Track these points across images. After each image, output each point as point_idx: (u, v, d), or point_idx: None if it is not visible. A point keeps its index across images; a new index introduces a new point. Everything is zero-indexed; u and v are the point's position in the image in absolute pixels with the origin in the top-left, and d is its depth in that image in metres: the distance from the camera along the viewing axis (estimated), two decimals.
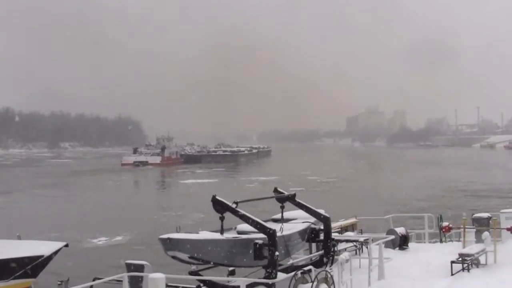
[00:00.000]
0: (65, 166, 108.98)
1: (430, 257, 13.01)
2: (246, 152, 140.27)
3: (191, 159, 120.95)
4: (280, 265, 9.85)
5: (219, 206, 9.36)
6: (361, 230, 16.08)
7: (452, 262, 11.76)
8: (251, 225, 9.51)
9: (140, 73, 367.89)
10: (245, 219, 9.47)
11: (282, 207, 11.31)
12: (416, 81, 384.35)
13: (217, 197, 9.40)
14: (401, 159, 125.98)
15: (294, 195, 11.51)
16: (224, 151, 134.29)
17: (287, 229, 10.68)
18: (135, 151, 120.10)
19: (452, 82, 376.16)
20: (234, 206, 9.38)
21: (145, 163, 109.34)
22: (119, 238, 28.49)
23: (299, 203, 11.56)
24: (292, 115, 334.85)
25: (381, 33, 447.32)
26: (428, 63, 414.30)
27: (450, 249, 13.47)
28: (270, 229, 9.32)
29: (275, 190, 11.49)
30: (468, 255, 12.01)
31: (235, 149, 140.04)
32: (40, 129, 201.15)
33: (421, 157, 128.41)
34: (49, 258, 7.28)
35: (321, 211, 11.71)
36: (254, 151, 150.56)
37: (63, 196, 53.63)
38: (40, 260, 7.10)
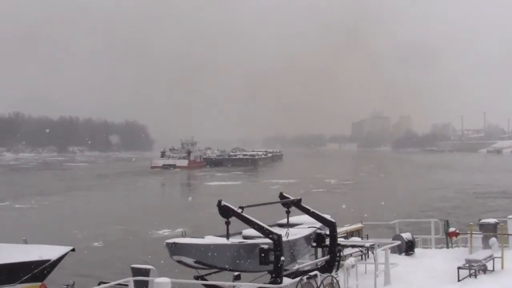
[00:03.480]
0: (86, 169, 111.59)
1: (437, 263, 12.93)
2: (263, 156, 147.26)
3: (213, 163, 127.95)
4: (286, 270, 9.81)
5: (225, 211, 9.33)
6: (367, 235, 15.96)
7: (459, 268, 11.68)
8: (256, 230, 9.48)
9: (146, 78, 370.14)
10: (251, 224, 9.44)
11: (288, 212, 11.27)
12: (421, 86, 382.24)
13: (223, 202, 9.38)
14: (409, 163, 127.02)
15: (300, 200, 11.46)
16: (244, 155, 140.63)
17: (293, 234, 10.65)
18: (163, 154, 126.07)
19: (458, 87, 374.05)
20: (239, 211, 9.35)
21: (173, 166, 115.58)
22: (180, 230, 30.22)
23: (305, 208, 11.50)
24: (297, 120, 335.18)
25: (386, 37, 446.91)
26: (434, 68, 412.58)
27: (457, 255, 13.38)
28: (276, 234, 9.29)
29: (281, 195, 11.44)
30: (475, 261, 11.92)
31: (254, 153, 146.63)
32: (49, 134, 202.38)
33: (428, 162, 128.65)
34: (56, 262, 7.28)
35: (327, 216, 11.64)
36: (269, 155, 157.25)
37: (108, 196, 56.78)
38: (47, 264, 7.10)
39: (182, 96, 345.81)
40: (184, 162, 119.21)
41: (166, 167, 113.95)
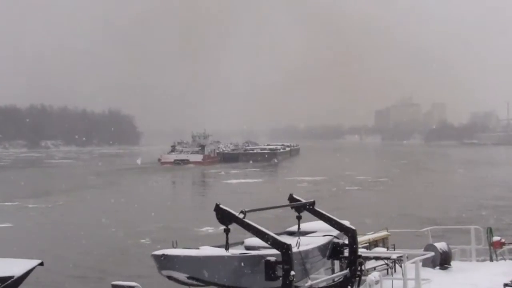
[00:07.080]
0: (76, 167, 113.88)
1: (478, 279, 12.86)
2: (281, 150, 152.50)
3: (228, 158, 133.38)
4: (297, 286, 9.72)
5: (224, 216, 9.26)
6: (394, 245, 15.89)
7: (506, 284, 11.52)
8: (262, 239, 9.39)
9: (131, 63, 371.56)
10: (255, 231, 9.36)
11: (299, 218, 11.16)
12: (457, 68, 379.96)
13: (220, 206, 9.31)
14: (445, 158, 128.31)
15: (313, 203, 11.33)
16: (261, 149, 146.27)
17: (305, 243, 10.54)
18: (173, 149, 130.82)
19: (502, 68, 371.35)
20: (241, 216, 9.26)
21: (186, 162, 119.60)
22: (222, 227, 32.58)
23: (319, 212, 11.39)
24: (309, 109, 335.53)
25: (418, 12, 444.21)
26: (473, 46, 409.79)
27: (503, 269, 13.34)
28: (285, 243, 9.18)
29: (291, 198, 11.34)
30: None
31: (273, 146, 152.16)
32: (18, 126, 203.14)
33: (468, 157, 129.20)
34: (20, 279, 7.21)
35: (346, 222, 11.53)
36: (287, 149, 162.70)
37: (125, 195, 59.94)
38: (10, 281, 7.02)
39: (173, 83, 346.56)
40: (198, 157, 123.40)
41: (178, 162, 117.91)
